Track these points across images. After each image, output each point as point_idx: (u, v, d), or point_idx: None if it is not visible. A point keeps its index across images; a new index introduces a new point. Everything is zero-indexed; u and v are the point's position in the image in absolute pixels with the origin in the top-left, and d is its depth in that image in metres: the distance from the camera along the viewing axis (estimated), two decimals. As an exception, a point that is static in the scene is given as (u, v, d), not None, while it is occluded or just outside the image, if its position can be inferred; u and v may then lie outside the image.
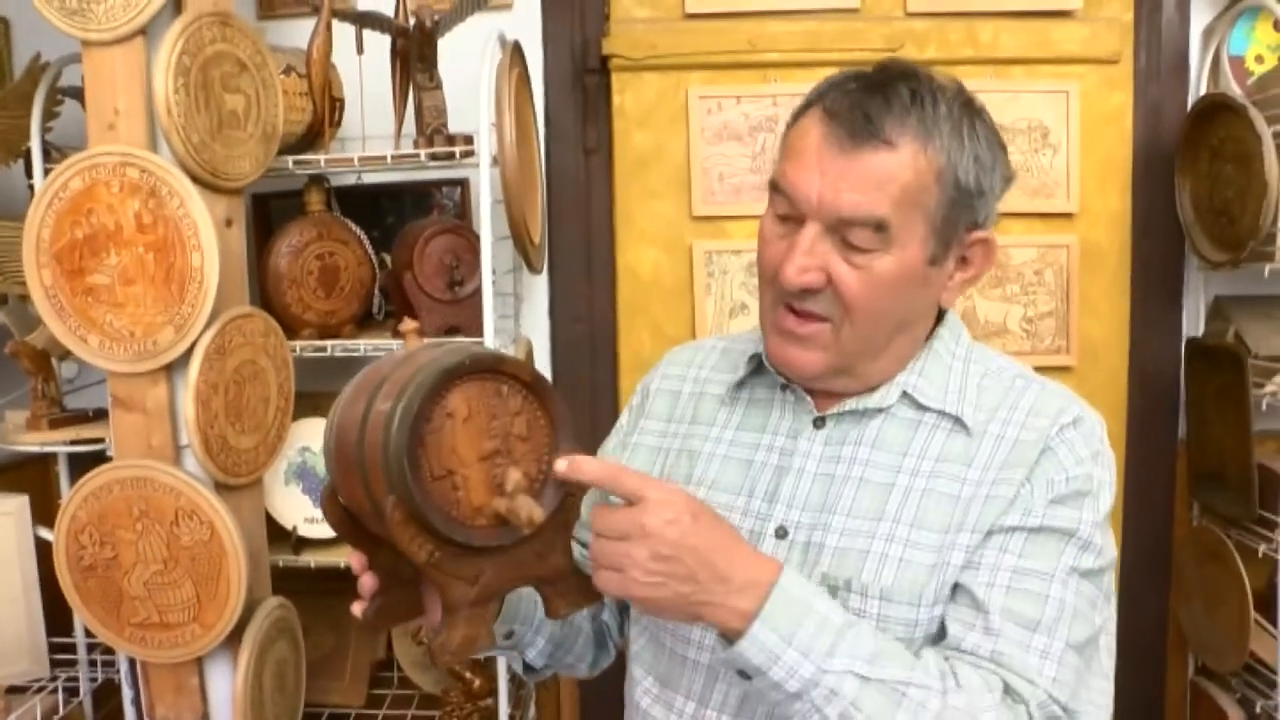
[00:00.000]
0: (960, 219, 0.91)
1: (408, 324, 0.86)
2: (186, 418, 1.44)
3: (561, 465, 0.80)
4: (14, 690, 1.61)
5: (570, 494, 0.84)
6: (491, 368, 0.79)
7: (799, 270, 0.89)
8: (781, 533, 0.95)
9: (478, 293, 1.73)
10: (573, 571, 0.86)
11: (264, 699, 1.51)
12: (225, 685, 1.50)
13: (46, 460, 1.82)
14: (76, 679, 1.68)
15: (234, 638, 1.50)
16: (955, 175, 0.89)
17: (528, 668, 1.10)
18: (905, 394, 0.96)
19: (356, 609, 0.88)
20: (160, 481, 1.44)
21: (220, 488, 1.50)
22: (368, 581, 0.89)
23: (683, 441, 1.06)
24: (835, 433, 0.97)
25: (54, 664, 1.67)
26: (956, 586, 0.88)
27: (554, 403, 0.82)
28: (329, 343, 1.79)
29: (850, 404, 0.97)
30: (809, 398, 0.99)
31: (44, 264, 1.45)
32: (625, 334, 2.10)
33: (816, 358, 0.94)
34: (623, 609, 1.15)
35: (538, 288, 2.10)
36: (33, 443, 1.56)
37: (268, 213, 2.04)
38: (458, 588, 0.80)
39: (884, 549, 0.90)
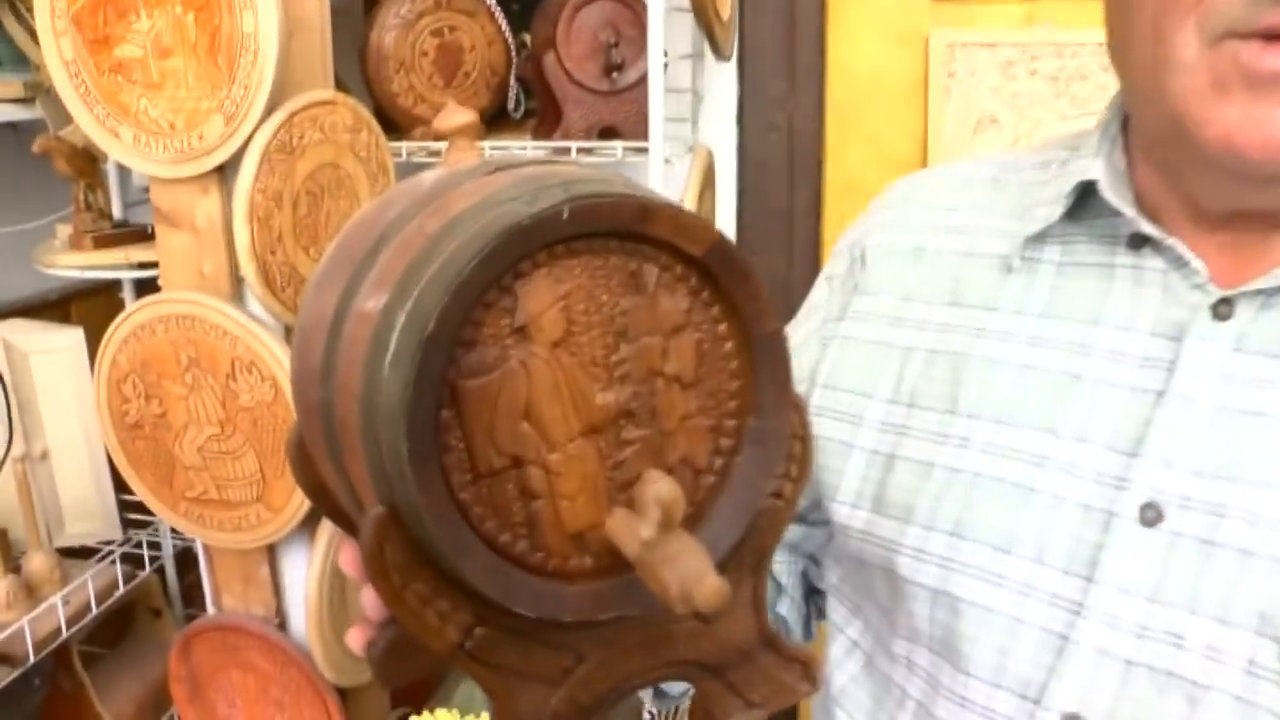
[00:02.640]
0: None
1: (450, 117, 0.41)
2: (239, 239, 1.06)
3: None
4: (77, 554, 1.36)
5: (781, 495, 0.40)
6: (623, 225, 0.33)
7: None
8: (1151, 514, 0.50)
9: (643, 82, 1.26)
10: (765, 646, 0.42)
11: (347, 597, 1.20)
12: (303, 579, 1.19)
13: (113, 289, 1.52)
14: (154, 542, 1.42)
15: (313, 523, 1.17)
16: None
17: (659, 691, 0.70)
18: None
19: (356, 640, 0.46)
20: (211, 322, 1.09)
21: (291, 333, 1.14)
22: (370, 600, 0.46)
23: (936, 337, 0.60)
24: (1255, 330, 0.50)
25: (129, 525, 1.41)
26: None
27: (755, 300, 0.36)
28: (445, 144, 1.37)
29: None
30: (1194, 261, 0.51)
31: (62, 31, 1.07)
32: (834, 151, 1.59)
33: None
34: (808, 594, 0.72)
35: (723, 83, 1.59)
36: (70, 266, 1.23)
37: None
38: (527, 694, 0.38)
39: None
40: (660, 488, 0.32)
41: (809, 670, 0.44)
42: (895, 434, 0.59)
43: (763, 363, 0.37)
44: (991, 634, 0.53)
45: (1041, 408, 0.53)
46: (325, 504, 0.46)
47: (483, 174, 0.35)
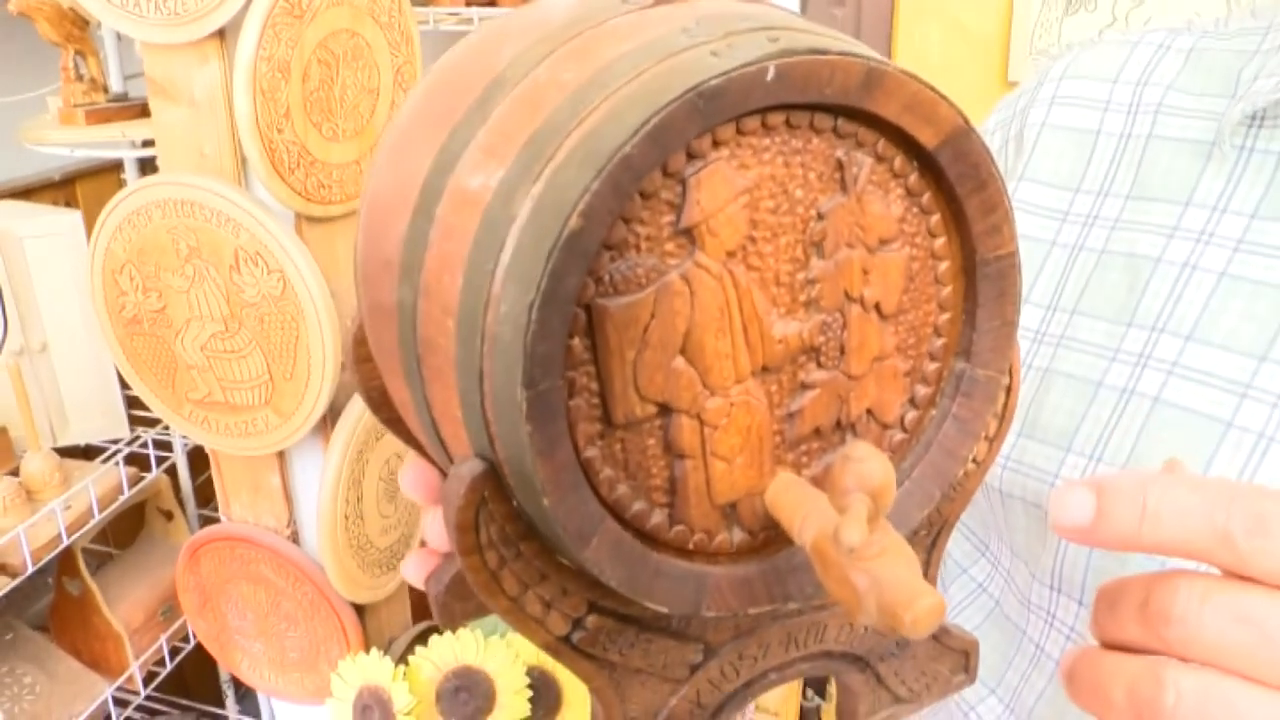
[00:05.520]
0: None
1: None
2: (240, 113, 0.95)
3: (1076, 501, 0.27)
4: (84, 454, 1.28)
5: (975, 458, 0.31)
6: (841, 95, 0.23)
7: None
8: None
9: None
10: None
11: (364, 510, 1.13)
12: (316, 488, 1.12)
13: (116, 169, 1.41)
14: (164, 441, 1.34)
15: (325, 429, 1.09)
16: None
17: None
18: None
19: (414, 571, 0.37)
20: (212, 208, 0.99)
21: (303, 220, 1.04)
22: (435, 529, 0.37)
23: (1111, 235, 0.50)
24: None
25: (138, 422, 1.32)
26: None
27: (992, 213, 0.27)
28: (479, 11, 1.23)
29: None
30: None
31: None
32: (907, 29, 1.46)
33: None
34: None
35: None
36: (59, 143, 1.11)
37: None
38: (641, 694, 0.30)
39: None
40: (869, 469, 0.23)
41: (969, 661, 0.36)
42: (1053, 345, 0.50)
43: (986, 294, 0.28)
44: None
45: (1247, 326, 0.44)
46: (386, 414, 0.37)
47: (639, 5, 0.25)
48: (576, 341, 0.24)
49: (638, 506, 0.26)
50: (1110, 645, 0.29)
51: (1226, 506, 0.26)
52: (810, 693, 1.54)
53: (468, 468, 0.25)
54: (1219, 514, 0.26)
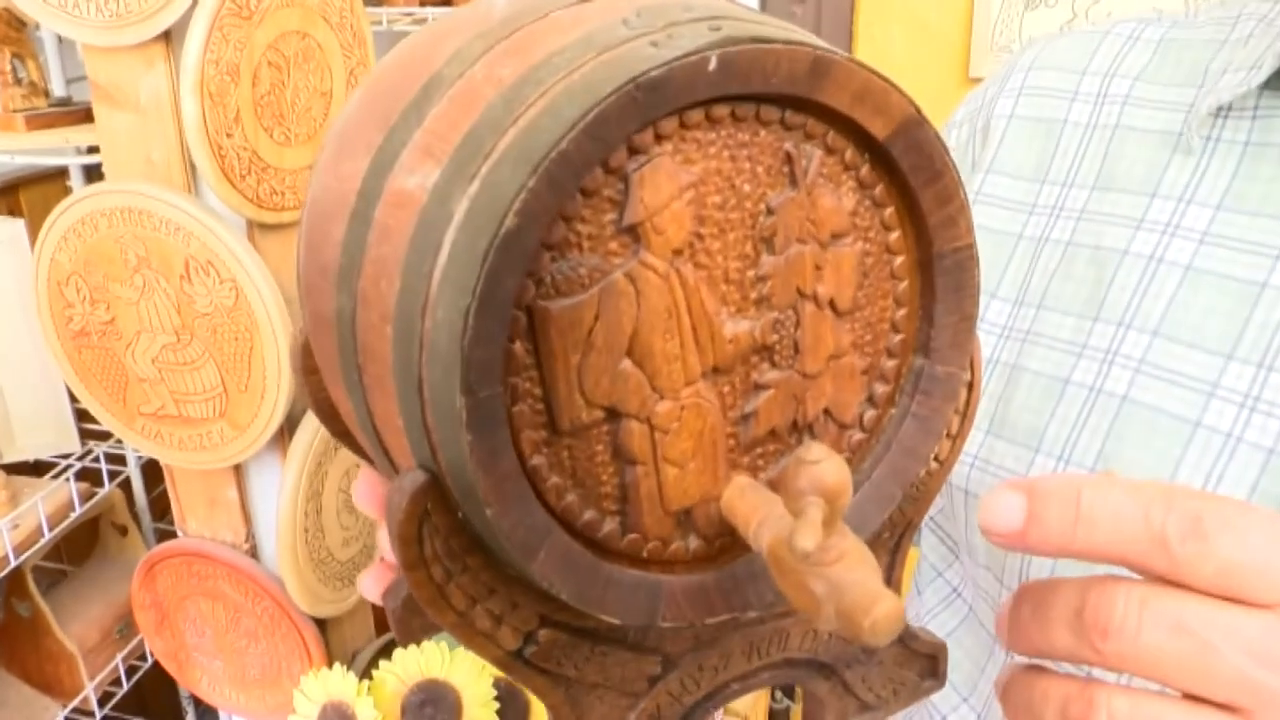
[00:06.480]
0: None
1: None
2: (188, 118, 0.93)
3: (1006, 504, 0.26)
4: (32, 470, 1.25)
5: (938, 457, 0.31)
6: (787, 85, 0.23)
7: None
8: None
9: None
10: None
11: (323, 523, 1.11)
12: (274, 501, 1.10)
13: (61, 176, 1.37)
14: (117, 455, 1.30)
15: (282, 441, 1.07)
16: None
17: None
18: None
19: (371, 587, 0.36)
20: (161, 216, 0.96)
21: (255, 228, 1.02)
22: (390, 543, 0.36)
23: (1076, 226, 0.50)
24: None
25: (88, 436, 1.29)
26: None
27: (947, 204, 0.26)
28: (434, 10, 1.21)
29: None
30: None
31: None
32: (867, 26, 1.46)
33: None
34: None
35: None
36: (-6, 149, 1.08)
37: None
38: (599, 710, 0.29)
39: None
40: (822, 471, 0.22)
41: (938, 665, 0.35)
42: (1019, 341, 0.49)
43: (944, 288, 0.27)
44: None
45: (1214, 322, 0.44)
46: (335, 427, 0.35)
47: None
48: (518, 346, 0.23)
49: (588, 515, 0.25)
50: (1036, 653, 0.28)
51: (1162, 509, 0.25)
52: (779, 694, 1.54)
53: (409, 479, 0.24)
54: (1155, 517, 0.25)
